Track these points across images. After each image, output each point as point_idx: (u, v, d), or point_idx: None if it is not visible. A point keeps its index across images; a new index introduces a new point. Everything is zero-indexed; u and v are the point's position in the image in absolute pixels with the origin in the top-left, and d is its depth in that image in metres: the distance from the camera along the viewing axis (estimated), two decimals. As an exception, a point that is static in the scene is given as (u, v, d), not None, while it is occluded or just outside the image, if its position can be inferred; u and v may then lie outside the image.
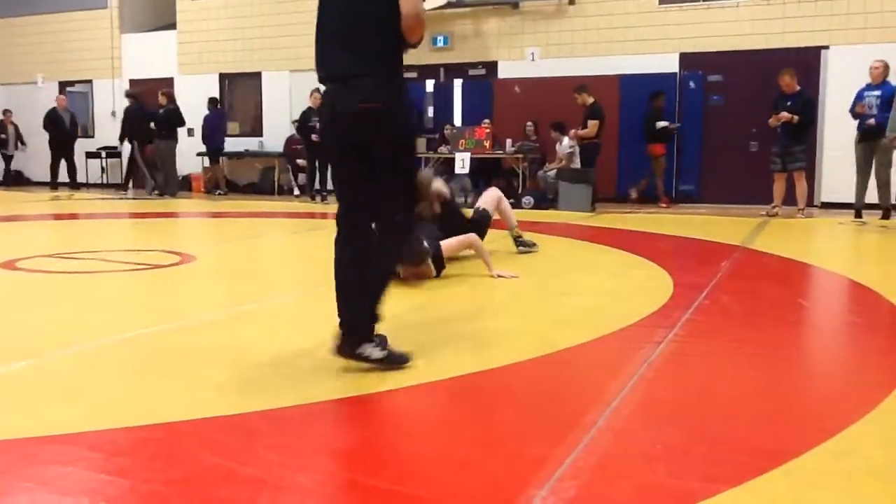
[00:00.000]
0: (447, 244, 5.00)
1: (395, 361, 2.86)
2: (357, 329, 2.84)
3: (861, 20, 11.09)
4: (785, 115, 9.51)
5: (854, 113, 9.24)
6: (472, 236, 5.16)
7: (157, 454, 2.09)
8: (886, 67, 9.12)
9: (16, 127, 16.38)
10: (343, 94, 2.83)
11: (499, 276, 4.85)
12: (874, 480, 1.91)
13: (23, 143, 16.39)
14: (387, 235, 2.92)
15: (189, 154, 14.85)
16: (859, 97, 9.26)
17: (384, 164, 2.83)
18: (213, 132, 14.10)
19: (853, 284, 4.91)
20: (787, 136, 9.63)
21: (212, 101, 14.35)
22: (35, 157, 16.53)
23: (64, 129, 15.06)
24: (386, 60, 2.85)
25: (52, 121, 15.11)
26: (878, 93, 9.10)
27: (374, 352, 2.81)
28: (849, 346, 3.59)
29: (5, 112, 16.38)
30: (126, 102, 14.43)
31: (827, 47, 11.34)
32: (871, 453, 2.08)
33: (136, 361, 3.00)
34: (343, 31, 2.83)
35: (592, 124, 10.72)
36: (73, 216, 10.16)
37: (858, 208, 9.21)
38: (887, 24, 10.86)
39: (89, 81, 16.92)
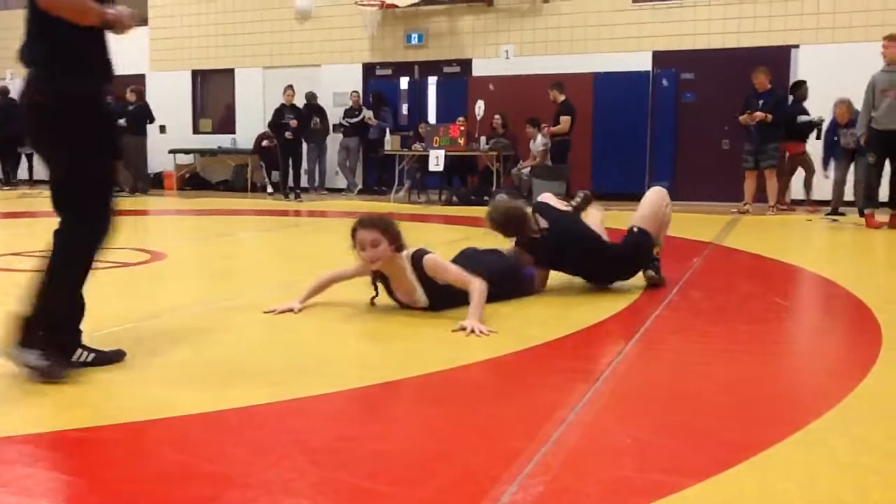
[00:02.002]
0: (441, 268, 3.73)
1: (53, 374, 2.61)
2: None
3: (830, 20, 11.24)
4: (759, 114, 9.59)
5: None
6: (477, 284, 3.60)
7: (120, 453, 2.07)
8: None
9: None
10: (25, 83, 2.72)
11: (471, 330, 3.34)
12: (837, 471, 1.94)
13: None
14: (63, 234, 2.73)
15: (161, 151, 14.72)
16: None
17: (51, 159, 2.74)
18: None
19: (821, 280, 4.97)
20: (761, 134, 9.73)
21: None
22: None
23: None
24: (50, 48, 2.64)
25: None
26: None
27: (32, 358, 2.61)
28: (816, 340, 3.63)
29: None
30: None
31: (797, 46, 11.48)
32: (835, 445, 2.10)
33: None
34: (29, 17, 2.68)
35: (565, 120, 10.79)
36: (32, 214, 10.01)
37: (860, 207, 8.92)
38: (855, 24, 11.01)
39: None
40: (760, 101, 9.71)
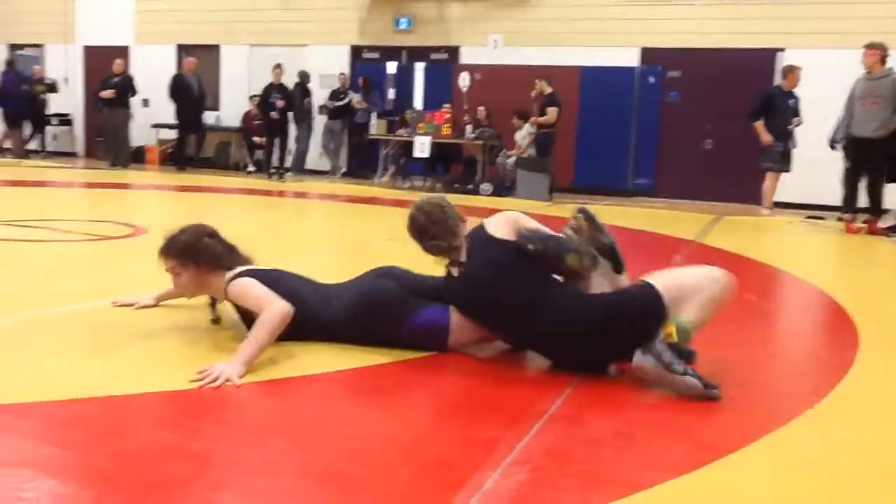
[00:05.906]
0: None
1: None
2: None
3: (816, 24, 11.31)
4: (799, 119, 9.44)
5: None
6: (270, 310, 2.69)
7: (99, 428, 2.06)
8: None
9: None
10: None
11: (213, 379, 2.41)
12: (805, 472, 1.97)
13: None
14: None
15: (144, 125, 14.56)
16: None
17: None
18: (11, 95, 13.73)
19: (798, 282, 5.03)
20: (790, 136, 9.52)
21: (8, 62, 14.13)
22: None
23: (192, 98, 13.13)
24: None
25: (180, 88, 13.02)
26: None
27: None
28: (793, 342, 3.68)
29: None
30: None
31: (783, 49, 11.54)
32: (804, 447, 2.14)
33: (81, 333, 2.94)
34: None
35: (552, 111, 10.78)
36: (24, 183, 9.88)
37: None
38: (840, 30, 11.09)
39: (40, 46, 16.42)
40: (791, 101, 9.53)
